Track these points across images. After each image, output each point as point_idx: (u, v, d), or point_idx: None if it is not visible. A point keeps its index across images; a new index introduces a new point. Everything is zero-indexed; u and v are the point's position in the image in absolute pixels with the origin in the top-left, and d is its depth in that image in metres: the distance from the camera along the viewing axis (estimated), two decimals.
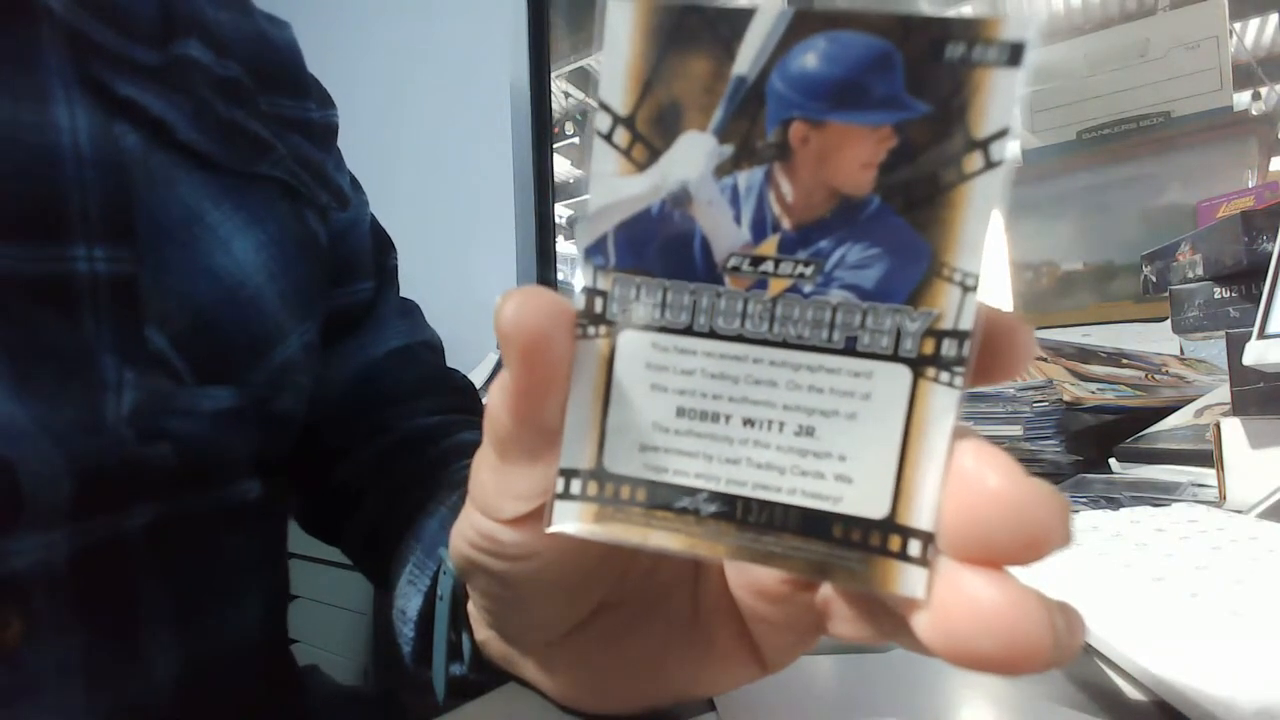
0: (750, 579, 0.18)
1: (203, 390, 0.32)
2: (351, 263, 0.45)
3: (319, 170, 0.40)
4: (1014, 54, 0.12)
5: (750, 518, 0.13)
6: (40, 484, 0.26)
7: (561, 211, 1.60)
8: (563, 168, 1.61)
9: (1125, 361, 0.71)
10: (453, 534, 0.19)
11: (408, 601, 0.31)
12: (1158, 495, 0.45)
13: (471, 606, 0.24)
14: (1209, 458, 0.45)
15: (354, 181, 0.47)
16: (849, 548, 0.13)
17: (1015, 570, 0.12)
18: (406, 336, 0.47)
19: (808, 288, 0.13)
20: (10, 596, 0.26)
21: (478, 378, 1.17)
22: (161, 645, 0.30)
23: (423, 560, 0.32)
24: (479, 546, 0.17)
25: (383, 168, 1.64)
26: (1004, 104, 0.12)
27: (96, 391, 0.28)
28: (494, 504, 0.16)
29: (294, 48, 0.42)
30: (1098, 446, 0.59)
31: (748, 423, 0.13)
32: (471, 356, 1.28)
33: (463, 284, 1.55)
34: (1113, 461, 0.58)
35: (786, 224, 0.13)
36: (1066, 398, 0.56)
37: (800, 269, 0.13)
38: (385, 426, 0.42)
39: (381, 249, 0.49)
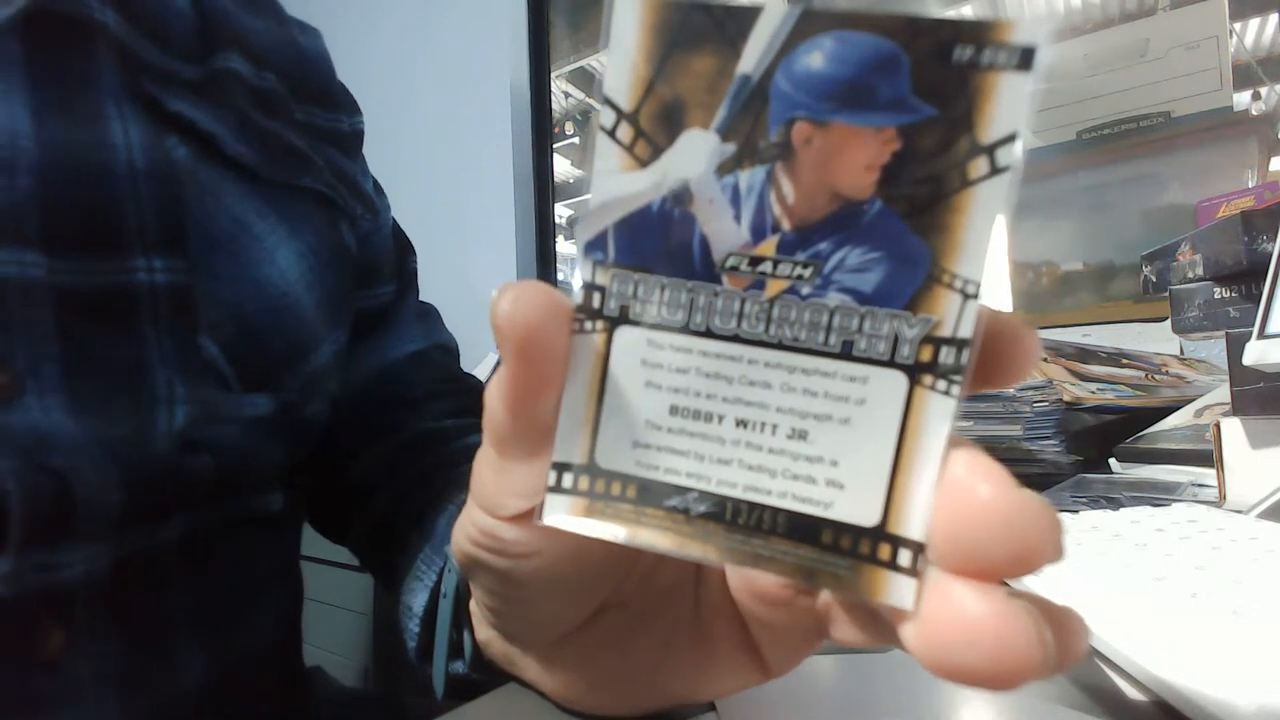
0: (750, 582, 0.18)
1: (246, 397, 0.32)
2: (374, 266, 0.46)
3: (353, 182, 0.42)
4: (1024, 58, 0.11)
5: (739, 519, 0.13)
6: (92, 497, 0.26)
7: (561, 211, 1.60)
8: (563, 168, 1.60)
9: (1125, 361, 0.71)
10: (455, 531, 0.19)
11: (413, 598, 0.32)
12: (1158, 495, 0.45)
13: (474, 605, 0.24)
14: (1209, 458, 0.45)
15: (377, 186, 0.48)
16: (838, 554, 0.13)
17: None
18: (424, 340, 0.48)
19: (805, 290, 0.13)
20: (54, 607, 0.26)
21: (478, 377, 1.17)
22: (191, 653, 0.31)
23: (430, 557, 0.32)
24: (480, 544, 0.17)
25: (383, 168, 1.64)
26: (1012, 109, 0.12)
27: (148, 406, 0.29)
28: (494, 501, 0.16)
29: (325, 57, 0.43)
30: (1098, 446, 0.59)
31: (741, 424, 0.13)
32: (472, 356, 1.28)
33: (463, 284, 1.55)
34: (1113, 461, 0.58)
35: (786, 225, 0.13)
36: (1066, 398, 0.56)
37: (798, 270, 0.13)
38: (399, 427, 0.43)
39: (402, 253, 0.49)
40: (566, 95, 1.59)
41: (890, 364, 0.12)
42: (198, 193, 0.31)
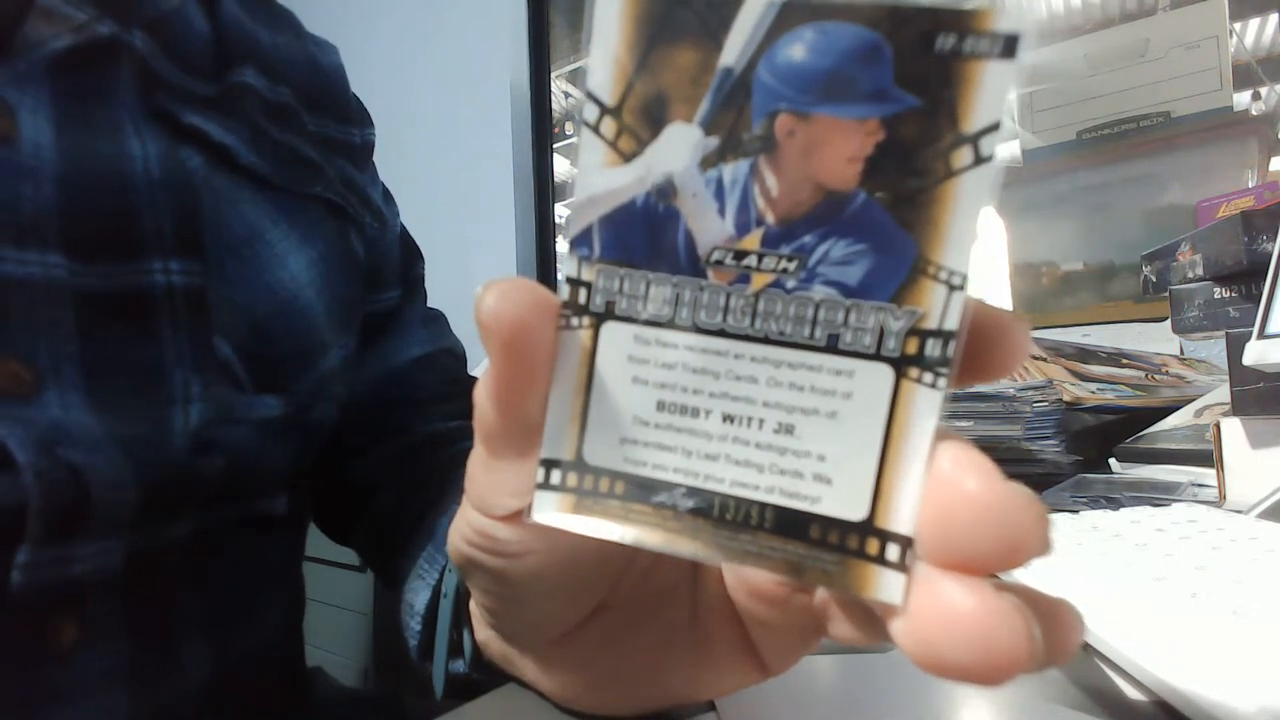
0: (746, 580, 0.17)
1: (258, 399, 0.33)
2: (379, 270, 0.46)
3: (362, 192, 0.43)
4: (1007, 46, 0.11)
5: (727, 515, 0.13)
6: (108, 493, 0.27)
7: (561, 211, 1.60)
8: (563, 168, 1.60)
9: (1125, 361, 0.71)
10: (450, 531, 0.19)
11: (416, 596, 0.32)
12: (1158, 495, 0.45)
13: (473, 605, 0.24)
14: (1209, 458, 0.45)
15: (386, 194, 0.49)
16: (826, 549, 0.13)
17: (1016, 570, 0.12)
18: (430, 344, 0.48)
19: (790, 283, 0.13)
20: (68, 601, 0.27)
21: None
22: (196, 651, 0.32)
23: (432, 555, 0.33)
24: (475, 544, 0.17)
25: (383, 168, 1.64)
26: (995, 98, 0.11)
27: (165, 405, 0.30)
28: (487, 500, 0.16)
29: (340, 71, 0.45)
30: (1098, 446, 0.59)
31: (727, 419, 0.13)
32: (472, 357, 1.28)
33: (463, 284, 1.55)
34: (1113, 461, 0.57)
35: (770, 218, 0.13)
36: (1066, 398, 0.56)
37: (783, 264, 0.13)
38: (404, 429, 0.43)
39: (409, 259, 0.50)
40: (566, 95, 1.59)
41: (876, 357, 0.12)
42: (212, 200, 0.33)
